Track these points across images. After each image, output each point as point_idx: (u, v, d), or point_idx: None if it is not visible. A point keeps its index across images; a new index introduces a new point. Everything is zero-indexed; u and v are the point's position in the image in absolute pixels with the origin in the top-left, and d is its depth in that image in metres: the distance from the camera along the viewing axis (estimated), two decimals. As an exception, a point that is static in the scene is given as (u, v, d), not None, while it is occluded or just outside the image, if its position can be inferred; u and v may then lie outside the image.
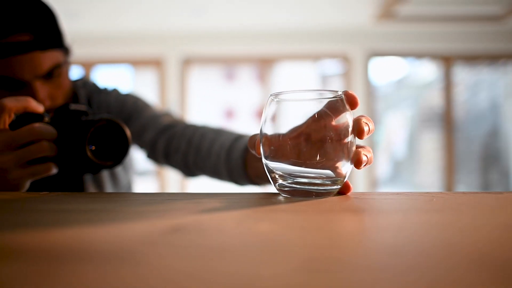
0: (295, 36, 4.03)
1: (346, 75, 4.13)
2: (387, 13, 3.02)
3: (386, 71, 4.78)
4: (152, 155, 0.78)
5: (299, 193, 0.37)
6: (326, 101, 0.37)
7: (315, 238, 0.22)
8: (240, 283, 0.15)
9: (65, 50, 0.69)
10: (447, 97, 4.10)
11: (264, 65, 4.16)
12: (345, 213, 0.28)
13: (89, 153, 0.49)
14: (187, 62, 4.10)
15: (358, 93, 4.11)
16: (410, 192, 0.38)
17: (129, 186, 0.92)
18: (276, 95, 0.37)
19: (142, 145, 0.79)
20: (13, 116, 0.48)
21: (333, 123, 0.35)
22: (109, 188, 0.83)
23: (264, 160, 0.37)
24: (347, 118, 0.36)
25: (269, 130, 0.37)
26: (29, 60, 0.60)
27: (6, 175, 0.47)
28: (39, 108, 0.50)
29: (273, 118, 0.37)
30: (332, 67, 5.04)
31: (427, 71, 4.78)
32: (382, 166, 5.19)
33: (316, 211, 0.29)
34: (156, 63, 4.07)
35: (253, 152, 0.41)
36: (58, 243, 0.21)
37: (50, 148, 0.49)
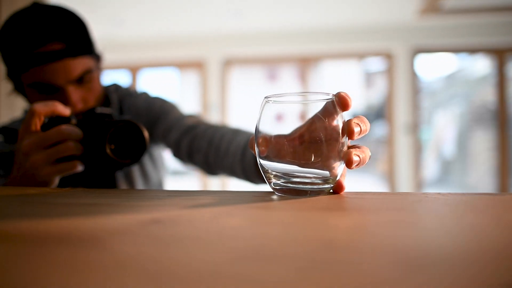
0: (336, 34, 3.98)
1: (390, 73, 4.01)
2: (431, 7, 2.89)
3: (433, 68, 4.58)
4: (177, 154, 0.82)
5: (292, 192, 0.38)
6: (317, 103, 0.38)
7: (274, 232, 0.23)
8: (187, 268, 0.17)
9: (96, 57, 0.74)
10: (501, 93, 3.85)
11: (306, 64, 4.14)
12: (321, 211, 0.29)
13: (108, 151, 0.53)
14: (228, 63, 4.18)
15: (403, 90, 3.98)
16: (406, 193, 0.38)
17: (160, 183, 0.97)
18: (270, 97, 0.39)
19: (168, 145, 0.83)
20: (43, 119, 0.53)
21: (324, 124, 0.36)
22: (140, 185, 0.88)
23: (258, 160, 0.39)
24: (338, 119, 0.37)
25: (263, 131, 0.38)
26: (62, 67, 0.66)
27: (37, 172, 0.52)
28: (66, 111, 0.55)
29: (267, 119, 0.38)
30: (375, 65, 4.91)
31: (479, 66, 4.51)
32: (429, 167, 4.98)
33: (294, 209, 0.30)
34: (198, 65, 4.19)
35: (252, 152, 0.42)
36: (50, 230, 0.24)
37: (76, 147, 0.53)
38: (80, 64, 0.68)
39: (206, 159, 0.75)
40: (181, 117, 0.82)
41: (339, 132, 0.37)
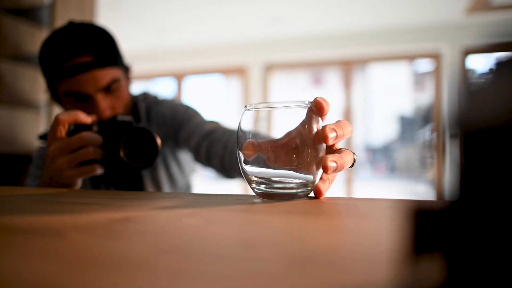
0: (382, 36, 3.88)
1: (439, 74, 3.83)
2: (480, 4, 2.73)
3: (487, 67, 4.31)
4: (198, 158, 0.86)
5: (271, 196, 0.40)
6: (295, 110, 0.40)
7: (220, 231, 0.25)
8: (124, 258, 0.20)
9: (124, 68, 0.81)
10: None
11: (352, 67, 4.08)
12: (274, 214, 0.31)
13: (122, 155, 0.58)
14: (269, 69, 4.22)
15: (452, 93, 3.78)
16: (387, 199, 0.38)
17: (187, 187, 1.01)
18: (250, 106, 0.41)
19: (190, 149, 0.87)
20: (67, 126, 0.60)
21: (300, 131, 0.38)
22: (166, 188, 0.93)
23: (240, 165, 0.41)
24: (313, 125, 0.38)
25: (244, 138, 0.41)
26: (91, 77, 0.73)
27: (62, 174, 0.59)
28: (87, 119, 0.61)
29: (248, 126, 0.41)
30: (425, 66, 4.72)
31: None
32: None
33: (255, 211, 0.32)
34: (240, 71, 4.27)
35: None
36: (22, 222, 0.28)
37: (96, 152, 0.59)
38: (107, 74, 0.75)
39: (222, 163, 0.79)
40: (202, 122, 0.86)
41: (314, 138, 0.38)
